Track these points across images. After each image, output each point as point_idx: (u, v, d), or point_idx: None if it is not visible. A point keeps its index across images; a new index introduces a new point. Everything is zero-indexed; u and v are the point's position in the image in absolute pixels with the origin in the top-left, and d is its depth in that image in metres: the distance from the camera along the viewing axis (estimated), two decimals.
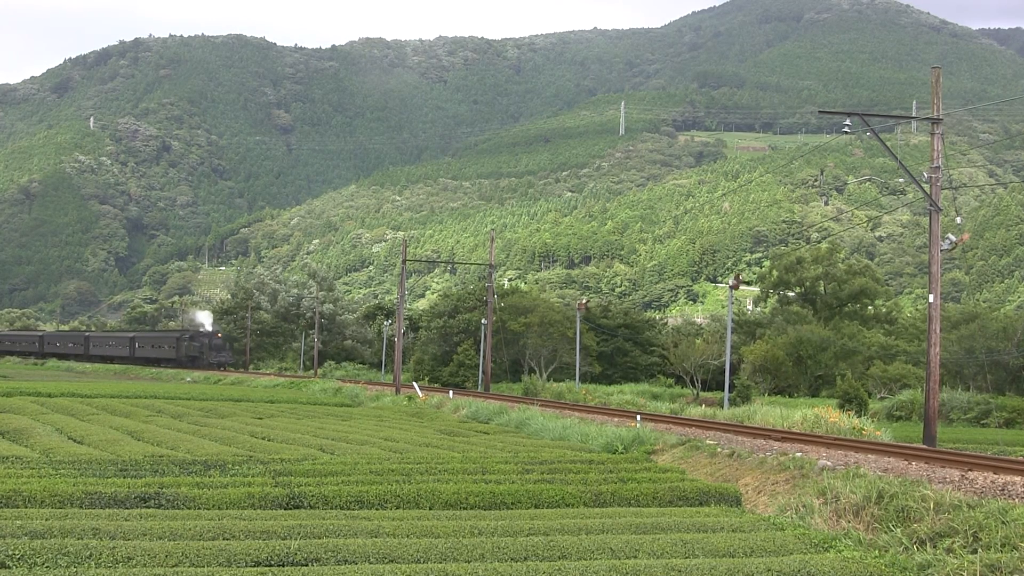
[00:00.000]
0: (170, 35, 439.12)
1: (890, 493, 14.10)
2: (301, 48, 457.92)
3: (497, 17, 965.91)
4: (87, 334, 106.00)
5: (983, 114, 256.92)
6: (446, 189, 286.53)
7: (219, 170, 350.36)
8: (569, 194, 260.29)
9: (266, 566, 10.50)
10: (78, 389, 43.71)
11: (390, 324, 79.20)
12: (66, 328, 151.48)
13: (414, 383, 56.85)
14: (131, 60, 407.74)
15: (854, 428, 26.33)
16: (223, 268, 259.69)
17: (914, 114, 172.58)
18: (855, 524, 14.08)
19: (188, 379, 65.85)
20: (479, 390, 54.29)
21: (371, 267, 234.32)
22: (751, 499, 17.09)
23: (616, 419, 29.94)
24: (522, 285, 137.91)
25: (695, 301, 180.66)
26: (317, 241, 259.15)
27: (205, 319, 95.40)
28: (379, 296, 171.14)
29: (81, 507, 13.30)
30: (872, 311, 72.55)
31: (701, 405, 42.06)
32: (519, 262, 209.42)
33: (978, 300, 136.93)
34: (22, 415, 28.88)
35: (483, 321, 58.32)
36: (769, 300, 79.08)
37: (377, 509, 14.27)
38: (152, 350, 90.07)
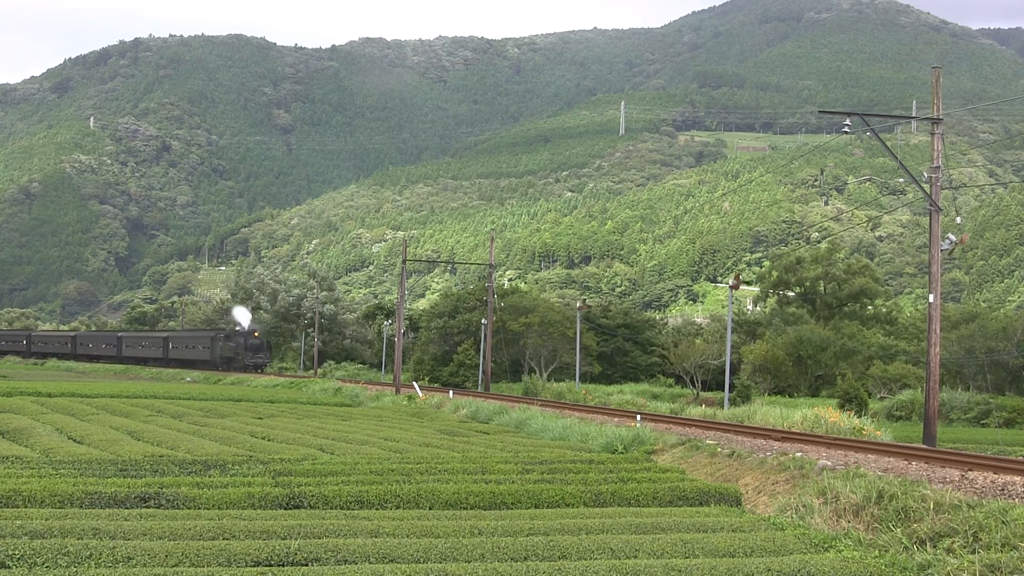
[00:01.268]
0: (170, 35, 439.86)
1: (890, 493, 14.09)
2: (301, 48, 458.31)
3: (497, 17, 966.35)
4: (120, 334, 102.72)
5: (983, 114, 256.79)
6: (446, 189, 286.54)
7: (219, 170, 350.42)
8: (569, 194, 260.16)
9: (266, 566, 10.50)
10: (78, 389, 43.70)
11: (390, 324, 79.14)
12: (66, 328, 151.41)
13: (414, 383, 56.82)
14: (131, 60, 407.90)
15: (854, 428, 26.29)
16: (223, 268, 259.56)
17: (914, 114, 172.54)
18: (855, 524, 14.07)
19: (188, 379, 66.01)
20: (479, 390, 54.30)
21: (371, 267, 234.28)
22: (751, 499, 17.08)
23: (616, 419, 29.93)
24: (522, 285, 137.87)
25: (695, 301, 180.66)
26: (317, 241, 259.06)
27: (242, 317, 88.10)
28: (379, 296, 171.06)
29: (81, 507, 13.28)
30: (872, 311, 72.51)
31: (701, 405, 42.02)
32: (519, 262, 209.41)
33: (978, 300, 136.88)
34: (22, 415, 28.86)
35: (483, 321, 58.32)
36: (769, 300, 79.10)
37: (377, 509, 14.25)
38: (186, 351, 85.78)
